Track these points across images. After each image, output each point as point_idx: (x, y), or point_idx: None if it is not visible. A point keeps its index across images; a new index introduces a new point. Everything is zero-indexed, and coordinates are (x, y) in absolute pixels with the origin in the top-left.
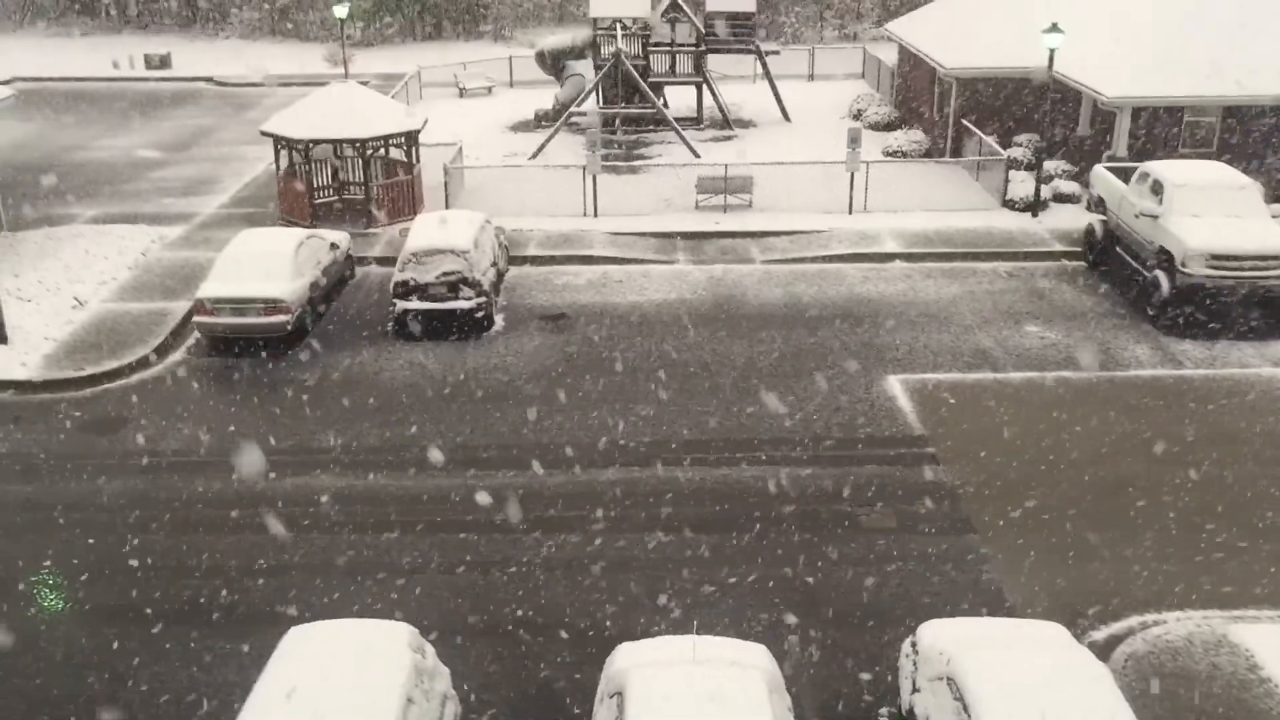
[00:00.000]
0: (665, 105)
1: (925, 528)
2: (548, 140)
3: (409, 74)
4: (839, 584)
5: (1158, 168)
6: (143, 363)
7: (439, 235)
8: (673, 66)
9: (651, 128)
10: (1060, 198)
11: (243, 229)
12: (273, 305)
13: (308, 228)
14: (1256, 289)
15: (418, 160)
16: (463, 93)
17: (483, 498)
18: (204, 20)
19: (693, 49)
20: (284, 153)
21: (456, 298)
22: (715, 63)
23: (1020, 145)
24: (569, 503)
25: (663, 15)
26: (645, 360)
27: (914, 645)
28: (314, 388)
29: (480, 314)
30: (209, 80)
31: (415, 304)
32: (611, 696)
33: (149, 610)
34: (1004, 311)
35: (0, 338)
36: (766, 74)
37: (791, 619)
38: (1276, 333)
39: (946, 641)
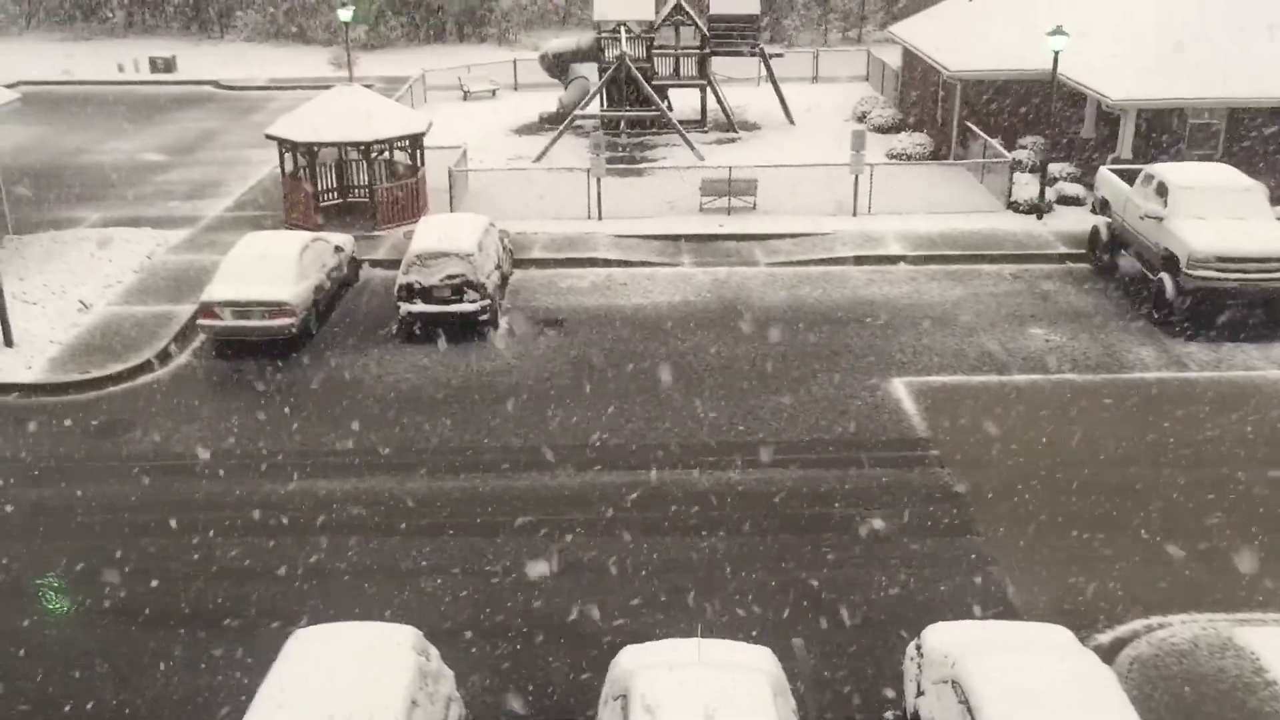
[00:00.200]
0: (669, 108)
1: (930, 530)
2: (552, 143)
3: (413, 77)
4: (843, 586)
5: (1162, 170)
6: (148, 366)
7: (443, 238)
8: (677, 69)
9: (655, 130)
10: (1065, 200)
11: (248, 232)
12: (277, 308)
13: (313, 231)
14: (1261, 291)
15: (422, 163)
16: (467, 96)
17: (487, 500)
18: (209, 24)
19: (696, 51)
20: (289, 156)
21: (461, 301)
22: (719, 65)
23: (1025, 147)
24: (575, 505)
25: (665, 19)
26: (649, 363)
27: (919, 648)
28: (319, 390)
29: (484, 317)
30: (214, 84)
31: (419, 307)
32: (616, 699)
33: (153, 613)
34: (1008, 314)
35: (6, 341)
36: (770, 76)
37: (795, 621)
38: None
39: (951, 644)
